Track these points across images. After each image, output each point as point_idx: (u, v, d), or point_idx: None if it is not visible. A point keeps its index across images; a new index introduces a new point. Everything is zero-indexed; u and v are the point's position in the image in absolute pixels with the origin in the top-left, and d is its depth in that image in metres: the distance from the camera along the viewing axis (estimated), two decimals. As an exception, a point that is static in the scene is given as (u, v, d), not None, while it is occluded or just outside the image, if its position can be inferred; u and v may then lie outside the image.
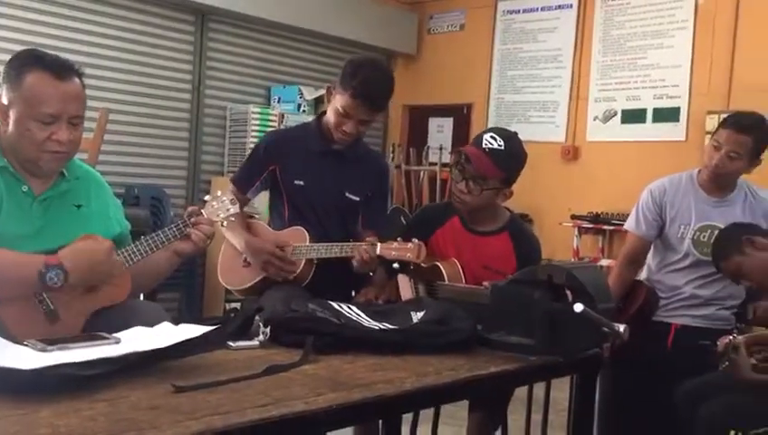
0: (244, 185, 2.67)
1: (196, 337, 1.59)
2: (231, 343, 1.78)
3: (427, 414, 2.73)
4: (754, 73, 5.31)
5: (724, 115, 3.15)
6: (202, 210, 2.05)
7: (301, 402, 1.40)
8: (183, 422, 1.24)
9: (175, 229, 1.98)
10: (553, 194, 6.21)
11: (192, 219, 2.01)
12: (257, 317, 1.87)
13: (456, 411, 2.70)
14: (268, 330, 1.83)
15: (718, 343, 2.41)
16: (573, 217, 5.95)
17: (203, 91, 6.02)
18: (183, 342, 1.57)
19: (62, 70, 1.84)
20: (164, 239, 1.96)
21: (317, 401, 1.41)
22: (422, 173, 6.78)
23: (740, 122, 2.76)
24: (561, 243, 5.93)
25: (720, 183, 2.83)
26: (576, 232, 5.94)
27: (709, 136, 3.06)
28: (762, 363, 2.45)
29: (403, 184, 6.80)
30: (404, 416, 2.65)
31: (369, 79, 2.43)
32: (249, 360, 1.68)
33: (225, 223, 2.11)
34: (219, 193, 2.11)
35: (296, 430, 1.39)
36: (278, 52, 6.50)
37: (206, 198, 2.11)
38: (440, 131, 7.14)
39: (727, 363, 2.35)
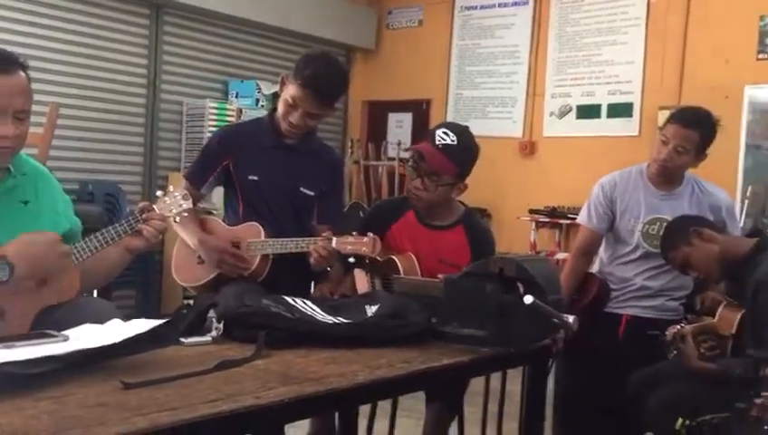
0: (197, 180, 2.64)
1: (146, 333, 1.57)
2: (183, 339, 1.77)
3: (385, 408, 2.74)
4: (704, 70, 5.44)
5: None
6: (154, 206, 2.02)
7: (251, 397, 1.39)
8: (130, 419, 1.23)
9: (126, 225, 1.95)
10: (511, 189, 6.28)
11: (143, 215, 1.99)
12: (210, 313, 1.86)
13: (414, 404, 2.72)
14: (221, 325, 1.83)
15: (666, 332, 2.48)
16: (531, 211, 6.02)
17: (159, 85, 5.94)
18: (132, 338, 1.55)
19: (5, 63, 1.81)
20: (114, 235, 1.93)
21: (268, 396, 1.41)
22: (381, 168, 6.80)
23: (687, 118, 2.83)
24: (518, 237, 6.01)
25: (668, 177, 2.89)
26: (533, 226, 6.02)
27: (660, 131, 3.12)
28: (708, 352, 2.53)
29: (362, 179, 6.81)
30: (362, 410, 2.67)
31: (321, 71, 2.43)
32: (201, 356, 1.67)
33: (177, 218, 2.09)
34: (171, 189, 2.09)
35: (247, 425, 1.39)
36: (236, 46, 6.44)
37: (158, 193, 2.08)
38: (399, 127, 7.16)
39: (675, 352, 2.42)
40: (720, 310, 2.54)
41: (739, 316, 2.44)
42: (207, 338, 1.80)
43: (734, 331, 2.45)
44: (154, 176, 5.90)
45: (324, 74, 2.44)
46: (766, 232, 2.80)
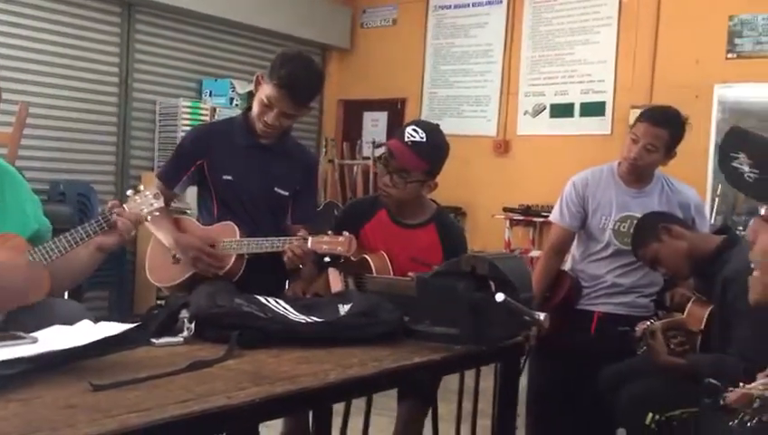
0: (170, 180, 2.62)
1: (116, 335, 1.56)
2: (154, 340, 1.76)
3: (360, 407, 2.75)
4: (675, 69, 5.51)
5: (646, 109, 3.25)
6: (124, 205, 2.01)
7: (223, 397, 1.39)
8: (99, 420, 1.22)
9: (95, 225, 1.94)
10: (486, 187, 6.31)
11: (113, 212, 1.97)
12: (182, 313, 1.85)
13: (389, 403, 2.73)
14: (193, 326, 1.82)
15: (636, 328, 2.51)
16: (505, 209, 6.06)
17: (131, 84, 5.89)
18: (102, 340, 1.55)
19: None
20: (83, 235, 1.92)
21: (240, 396, 1.41)
22: (356, 167, 6.80)
23: (656, 117, 2.86)
24: (493, 235, 6.04)
25: (638, 175, 2.93)
26: (507, 224, 6.06)
27: (631, 129, 3.15)
28: (678, 347, 2.56)
29: (337, 178, 6.81)
30: (336, 409, 2.67)
31: (296, 72, 2.43)
32: (172, 356, 1.66)
33: (149, 218, 2.08)
34: (142, 188, 2.08)
35: (219, 425, 1.39)
36: (209, 45, 6.41)
37: (129, 192, 2.07)
38: (375, 126, 7.17)
39: (645, 348, 2.45)
40: (689, 306, 2.58)
41: (707, 312, 2.47)
42: (179, 338, 1.80)
43: (702, 327, 2.49)
44: (126, 175, 5.85)
45: (300, 75, 2.44)
46: (734, 229, 2.84)
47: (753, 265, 1.04)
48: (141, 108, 5.98)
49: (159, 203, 2.07)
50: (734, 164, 1.01)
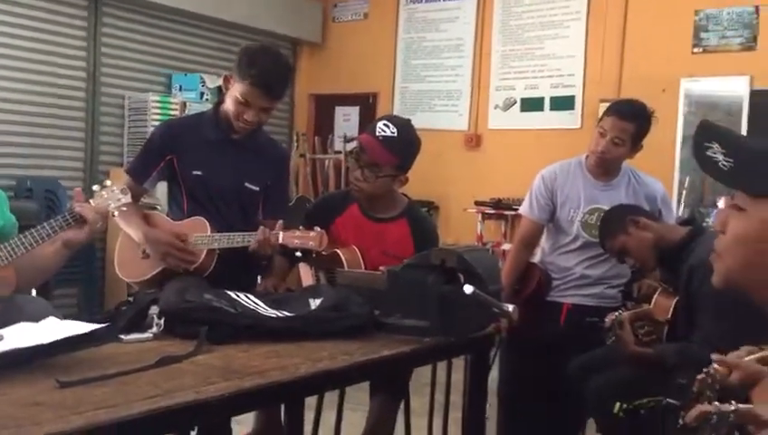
0: (140, 176, 2.61)
1: (83, 332, 1.55)
2: (123, 336, 1.75)
3: (333, 402, 2.75)
4: (643, 63, 5.57)
5: (614, 103, 3.28)
6: (90, 200, 1.99)
7: (192, 392, 1.39)
8: (66, 417, 1.22)
9: (61, 220, 1.92)
10: (458, 181, 6.34)
11: (75, 205, 1.95)
12: (151, 309, 1.84)
13: (362, 397, 2.73)
14: (162, 322, 1.81)
15: (605, 319, 2.54)
16: (477, 203, 6.09)
17: (99, 78, 5.80)
18: (69, 337, 1.53)
19: None
20: (49, 231, 1.89)
21: (208, 390, 1.41)
22: (327, 162, 6.79)
23: (623, 110, 2.90)
24: (465, 229, 6.07)
25: (606, 168, 2.96)
26: (480, 218, 6.08)
27: (600, 123, 3.18)
28: (645, 337, 2.60)
29: (308, 173, 6.79)
30: (309, 403, 2.67)
31: (268, 67, 2.43)
32: (141, 352, 1.66)
33: (116, 213, 2.06)
34: (108, 183, 2.06)
35: (187, 421, 1.39)
36: (179, 39, 6.34)
37: (95, 187, 2.05)
38: (347, 120, 7.15)
39: (614, 338, 2.48)
40: (656, 297, 2.62)
41: (674, 302, 2.52)
42: (148, 335, 1.79)
43: (669, 316, 2.53)
44: (95, 171, 5.77)
45: (272, 69, 2.45)
46: (700, 221, 2.89)
47: (719, 253, 1.07)
48: (110, 103, 5.90)
49: (126, 198, 2.05)
50: (709, 153, 1.03)
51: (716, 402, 1.72)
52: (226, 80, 2.54)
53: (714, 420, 1.69)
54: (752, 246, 1.00)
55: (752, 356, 1.72)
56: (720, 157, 1.02)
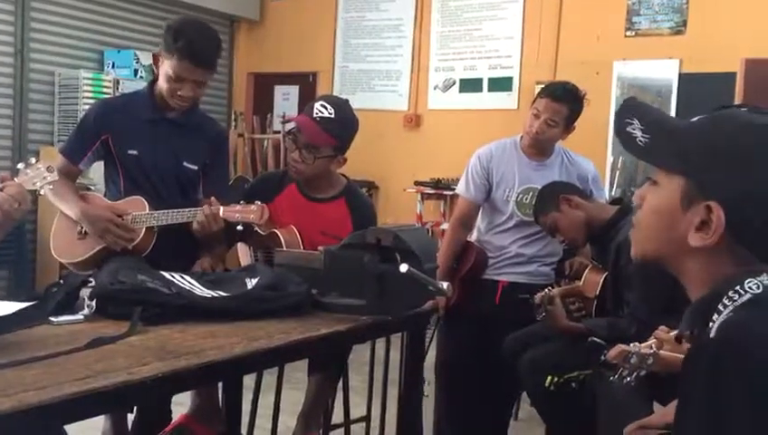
0: (74, 156, 2.55)
1: (9, 314, 1.52)
2: (53, 318, 1.72)
3: (273, 384, 2.76)
4: (577, 46, 5.68)
5: (550, 85, 3.34)
6: (15, 179, 1.93)
7: (124, 373, 1.38)
8: (-7, 400, 1.19)
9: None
10: (397, 161, 6.37)
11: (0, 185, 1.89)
12: (83, 290, 1.81)
13: (301, 376, 2.75)
14: (94, 303, 1.78)
15: (536, 296, 2.62)
16: (416, 183, 6.13)
17: (27, 54, 5.60)
18: (-4, 318, 1.50)
19: None
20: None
21: (141, 371, 1.40)
22: (266, 142, 6.73)
23: (556, 92, 2.96)
24: (405, 209, 6.11)
25: (540, 148, 3.03)
26: (419, 198, 6.14)
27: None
28: (576, 313, 2.69)
29: (247, 153, 6.72)
30: (248, 385, 2.67)
31: (194, 38, 2.39)
32: (72, 334, 1.63)
33: (43, 191, 2.01)
34: (33, 160, 2.00)
35: (120, 402, 1.38)
36: (111, 14, 6.15)
37: (20, 165, 1.99)
38: (286, 99, 7.09)
39: (544, 314, 2.56)
40: (585, 273, 2.71)
41: (602, 279, 2.61)
42: (79, 316, 1.76)
43: (597, 292, 2.62)
44: (24, 151, 5.58)
45: (198, 40, 2.41)
46: (629, 200, 2.98)
47: (637, 225, 1.11)
48: (39, 80, 5.71)
49: (53, 176, 2.00)
50: (629, 129, 1.07)
51: (637, 343, 1.83)
52: (156, 58, 2.51)
53: (633, 359, 1.80)
54: (663, 218, 1.04)
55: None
56: (638, 133, 1.06)
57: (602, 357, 1.82)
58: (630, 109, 1.09)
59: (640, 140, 1.06)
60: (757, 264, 1.00)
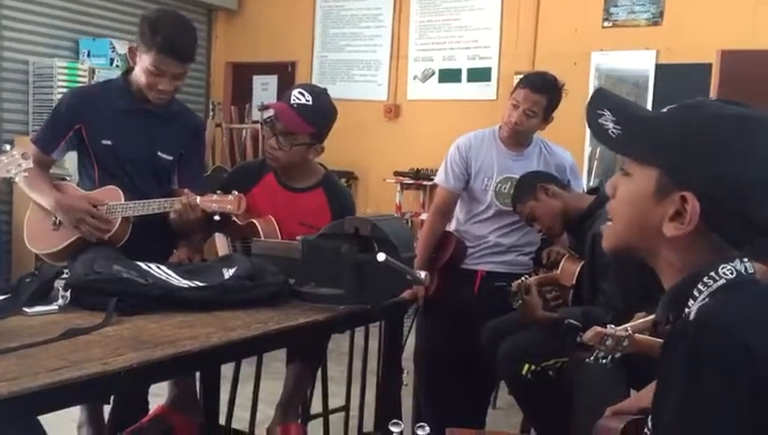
0: (47, 146, 2.51)
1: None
2: (27, 310, 1.70)
3: (251, 374, 2.76)
4: (555, 37, 5.70)
5: (529, 76, 3.34)
6: (-12, 167, 1.90)
7: (99, 363, 1.37)
8: (-35, 391, 1.18)
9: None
10: (377, 151, 6.36)
11: None
12: (57, 281, 1.79)
13: (280, 366, 2.75)
14: (68, 294, 1.77)
15: (512, 284, 2.63)
16: (396, 173, 6.13)
17: (0, 43, 5.52)
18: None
19: None
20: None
21: (116, 362, 1.39)
22: (245, 132, 6.68)
23: (535, 83, 2.97)
24: (384, 199, 6.12)
25: (518, 139, 3.04)
26: (399, 188, 6.14)
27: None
28: (553, 301, 2.71)
29: (225, 143, 6.68)
30: (227, 375, 2.67)
31: (173, 32, 2.36)
32: (46, 325, 1.62)
33: (17, 178, 1.98)
34: (8, 147, 1.97)
35: (94, 392, 1.37)
36: (87, 2, 6.07)
37: (-7, 153, 1.96)
38: (265, 89, 7.05)
39: (521, 302, 2.58)
40: (562, 262, 2.73)
41: (579, 268, 2.63)
42: (54, 307, 1.74)
43: (574, 281, 2.64)
44: (-2, 140, 5.52)
45: (177, 33, 2.38)
46: (604, 188, 3.00)
47: (610, 217, 1.12)
48: (13, 68, 5.63)
49: (28, 163, 1.97)
50: (600, 121, 1.08)
51: (612, 326, 1.86)
52: (132, 52, 2.46)
53: (609, 341, 1.83)
54: (637, 208, 1.05)
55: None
56: (610, 124, 1.07)
57: (578, 339, 1.84)
58: (601, 100, 1.10)
59: (612, 132, 1.07)
60: (730, 250, 1.02)
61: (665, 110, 1.08)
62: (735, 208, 0.98)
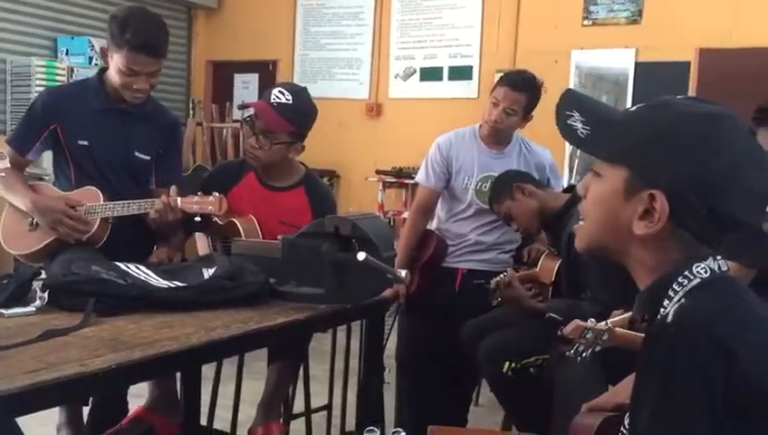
0: (22, 146, 2.48)
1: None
2: (4, 311, 1.68)
3: (233, 375, 2.75)
4: (536, 35, 5.73)
5: (509, 75, 3.35)
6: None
7: (77, 365, 1.36)
8: (-60, 394, 1.17)
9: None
10: (359, 150, 6.37)
11: None
12: (34, 282, 1.78)
13: (262, 366, 2.74)
14: (46, 295, 1.75)
15: (491, 282, 2.64)
16: (378, 172, 6.14)
17: (-23, 41, 5.47)
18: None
19: None
20: None
21: (94, 363, 1.38)
22: (225, 130, 6.66)
23: (515, 81, 2.98)
24: (366, 198, 6.12)
25: (498, 137, 3.05)
26: (381, 187, 6.14)
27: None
28: (533, 298, 2.73)
29: (206, 141, 6.65)
30: (208, 375, 2.65)
31: (142, 28, 2.33)
32: (23, 326, 1.60)
33: None
34: (-17, 147, 1.95)
35: (72, 394, 1.36)
36: (65, 0, 6.02)
37: (-29, 154, 1.94)
38: (246, 88, 7.03)
39: (500, 299, 2.58)
40: (541, 260, 2.75)
41: (557, 265, 2.64)
42: (31, 308, 1.73)
43: (552, 278, 2.66)
44: (-25, 140, 5.45)
45: (146, 29, 2.35)
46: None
47: (581, 217, 1.13)
48: (-10, 67, 5.58)
49: (4, 163, 1.96)
50: (569, 122, 1.08)
51: (593, 319, 1.88)
52: (103, 52, 2.44)
53: (588, 334, 1.85)
54: (607, 208, 1.06)
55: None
56: (579, 125, 1.07)
57: (558, 332, 1.85)
58: (569, 101, 1.11)
59: (581, 132, 1.07)
60: (701, 248, 1.03)
61: (633, 109, 1.09)
62: (703, 205, 0.99)
